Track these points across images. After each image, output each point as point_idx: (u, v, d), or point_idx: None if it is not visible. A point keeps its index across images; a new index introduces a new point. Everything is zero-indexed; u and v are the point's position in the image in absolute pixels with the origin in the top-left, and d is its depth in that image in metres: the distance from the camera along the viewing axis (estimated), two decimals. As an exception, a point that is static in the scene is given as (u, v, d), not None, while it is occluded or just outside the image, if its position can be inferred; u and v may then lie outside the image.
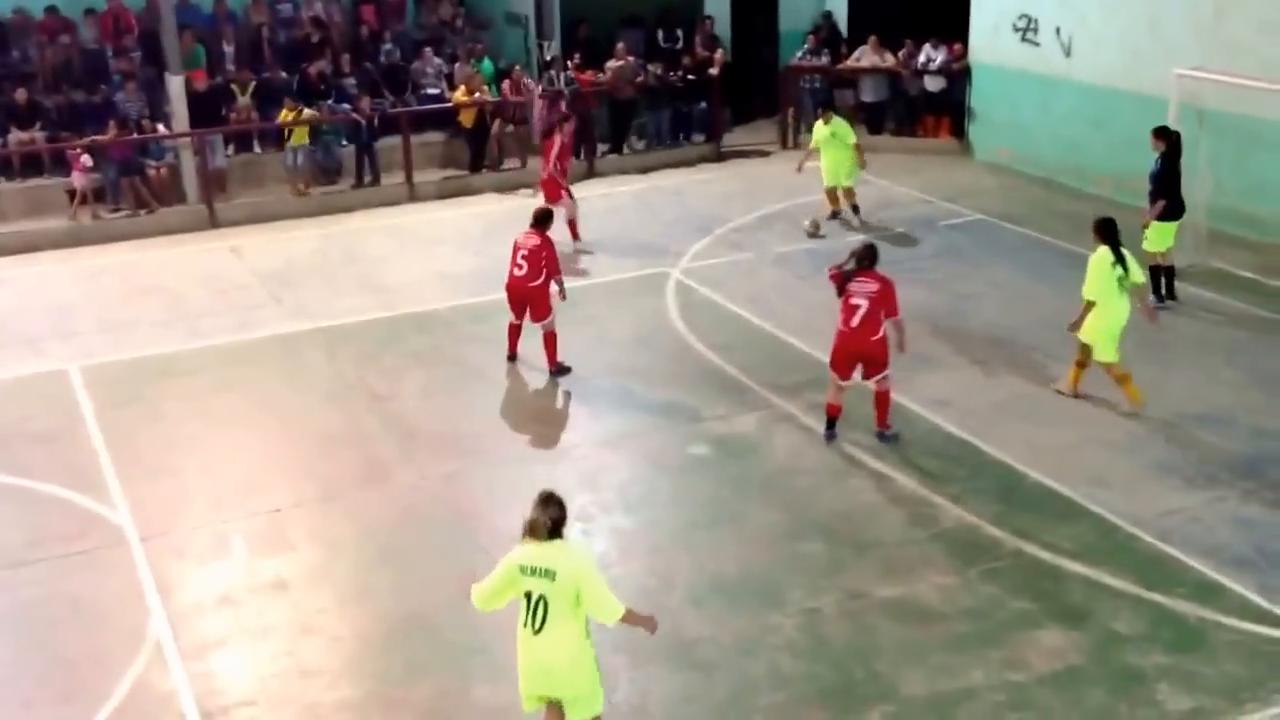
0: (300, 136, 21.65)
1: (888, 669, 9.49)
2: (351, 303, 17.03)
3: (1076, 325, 13.14)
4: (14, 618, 10.49)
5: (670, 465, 12.68)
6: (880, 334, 12.48)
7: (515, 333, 14.86)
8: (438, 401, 14.09)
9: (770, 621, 10.06)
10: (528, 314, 14.58)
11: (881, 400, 12.80)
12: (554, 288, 14.57)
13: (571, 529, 11.22)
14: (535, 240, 14.41)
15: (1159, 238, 15.80)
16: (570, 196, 19.31)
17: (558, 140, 19.35)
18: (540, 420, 13.76)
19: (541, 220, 14.67)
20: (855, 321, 12.40)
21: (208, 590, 10.67)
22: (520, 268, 14.39)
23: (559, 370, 14.60)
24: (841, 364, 12.63)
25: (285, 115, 21.49)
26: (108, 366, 15.19)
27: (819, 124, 19.82)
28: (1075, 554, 10.79)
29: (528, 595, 7.83)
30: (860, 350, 12.50)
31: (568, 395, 14.20)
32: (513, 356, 14.91)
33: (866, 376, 12.68)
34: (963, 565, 10.73)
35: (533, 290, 14.39)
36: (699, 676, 9.52)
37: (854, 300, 12.41)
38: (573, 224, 19.15)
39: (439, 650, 9.84)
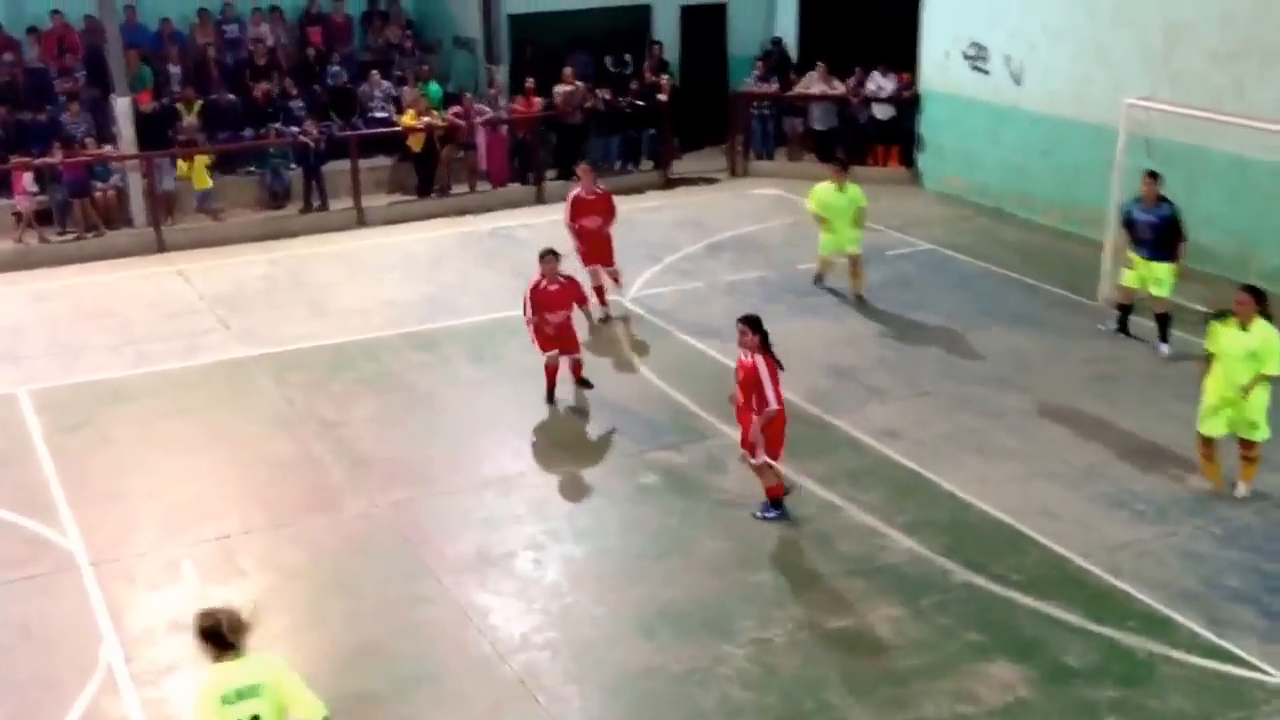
0: (202, 181, 21.58)
1: (837, 700, 9.50)
2: (300, 329, 16.93)
3: (1248, 390, 12.11)
4: (-38, 644, 10.36)
5: (620, 494, 12.67)
6: None
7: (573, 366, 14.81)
8: (387, 428, 14.03)
9: (720, 651, 10.05)
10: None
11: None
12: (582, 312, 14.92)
13: (521, 558, 11.37)
14: (551, 285, 14.35)
15: (1173, 280, 15.67)
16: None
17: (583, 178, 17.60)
18: (490, 448, 13.68)
19: (540, 258, 14.43)
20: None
21: (159, 616, 10.59)
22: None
23: (582, 384, 14.68)
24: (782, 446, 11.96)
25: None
26: (56, 390, 15.07)
27: (827, 187, 17.61)
28: (1025, 586, 10.84)
29: None
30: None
31: (517, 423, 14.15)
32: (582, 382, 14.75)
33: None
34: (913, 597, 10.76)
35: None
36: (649, 707, 9.51)
37: (779, 374, 11.62)
38: (599, 290, 17.12)
39: (389, 679, 9.78)
